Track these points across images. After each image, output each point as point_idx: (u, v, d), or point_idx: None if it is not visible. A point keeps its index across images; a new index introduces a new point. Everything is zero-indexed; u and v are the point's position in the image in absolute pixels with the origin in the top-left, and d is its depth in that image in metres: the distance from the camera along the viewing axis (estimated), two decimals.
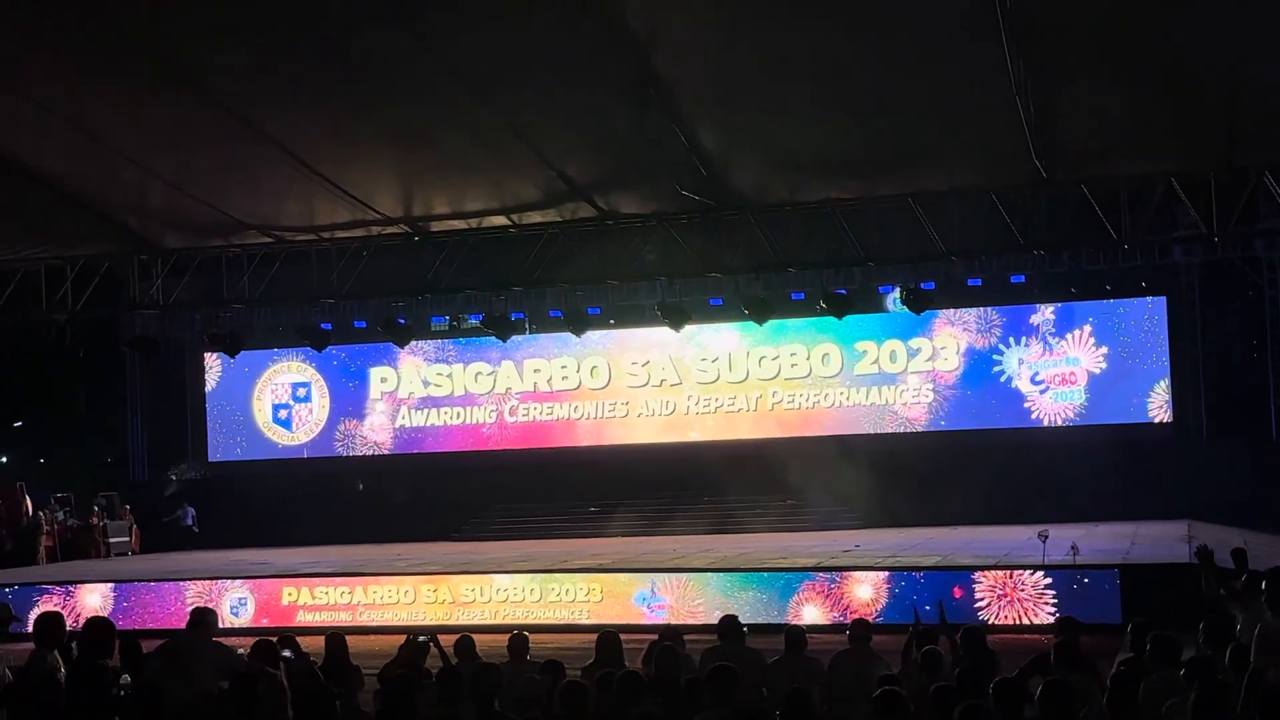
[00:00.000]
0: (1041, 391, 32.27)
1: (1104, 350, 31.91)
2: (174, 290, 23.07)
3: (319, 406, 36.72)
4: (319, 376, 36.58)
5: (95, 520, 33.94)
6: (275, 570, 25.40)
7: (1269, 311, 32.10)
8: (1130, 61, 14.92)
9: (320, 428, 36.72)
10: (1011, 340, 32.50)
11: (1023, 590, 20.08)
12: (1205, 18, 14.12)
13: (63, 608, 23.05)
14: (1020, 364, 32.41)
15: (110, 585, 24.50)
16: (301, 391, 36.87)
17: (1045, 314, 32.29)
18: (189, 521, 35.51)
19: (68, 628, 10.15)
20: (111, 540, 33.81)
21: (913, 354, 33.05)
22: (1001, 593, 20.13)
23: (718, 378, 34.28)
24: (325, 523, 33.79)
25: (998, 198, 19.35)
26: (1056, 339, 32.24)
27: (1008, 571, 20.38)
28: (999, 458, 31.13)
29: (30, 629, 10.12)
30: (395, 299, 25.72)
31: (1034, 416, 32.28)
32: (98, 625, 9.61)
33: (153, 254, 22.33)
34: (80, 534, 33.69)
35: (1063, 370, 32.20)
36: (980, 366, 32.68)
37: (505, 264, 22.19)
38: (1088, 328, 32.03)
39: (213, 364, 36.55)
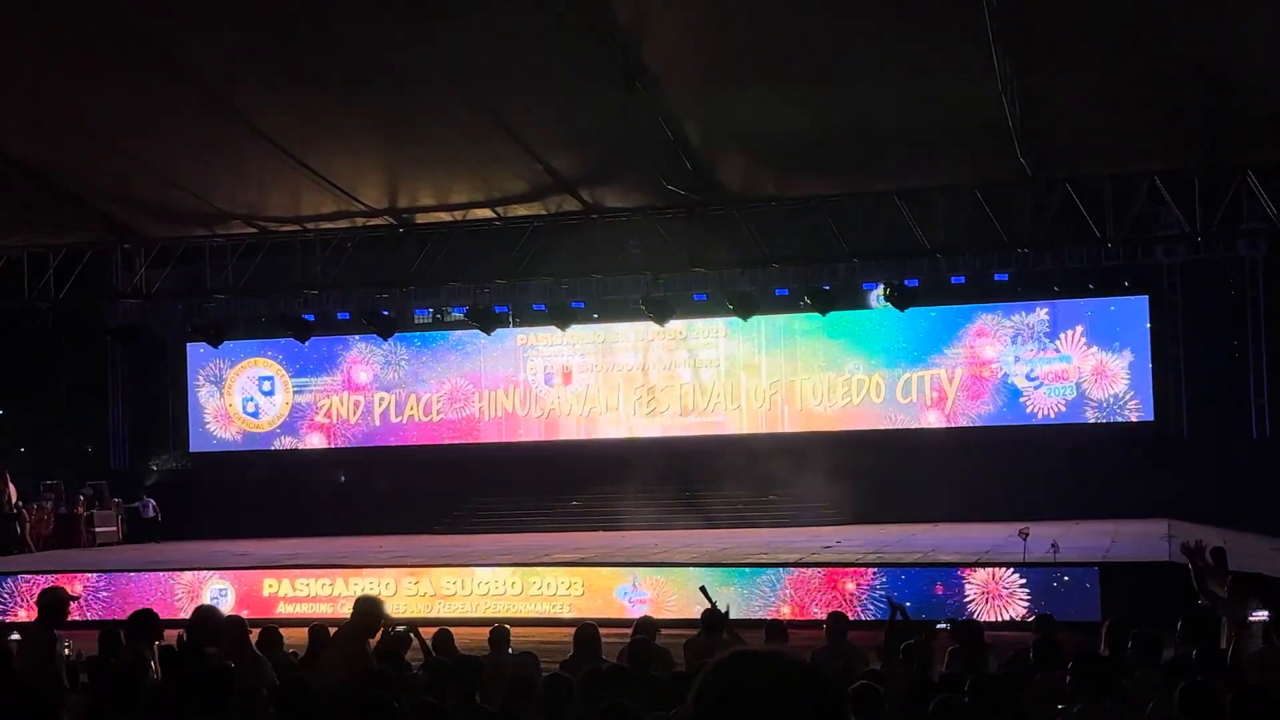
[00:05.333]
0: (1036, 388, 32.34)
1: (1091, 349, 32.01)
2: (157, 280, 22.98)
3: (293, 398, 36.63)
4: (287, 369, 36.50)
5: (80, 509, 33.74)
6: (256, 561, 25.34)
7: (1250, 311, 32.23)
8: (1116, 60, 14.95)
9: (300, 419, 36.66)
10: (1008, 339, 32.55)
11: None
12: (1190, 17, 14.16)
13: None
14: (1016, 361, 32.47)
15: (91, 575, 24.42)
16: (268, 385, 36.79)
17: (1040, 314, 32.35)
18: (150, 513, 35.30)
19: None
20: (98, 529, 33.55)
21: (898, 352, 33.11)
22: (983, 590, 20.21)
23: (703, 373, 34.30)
24: (306, 515, 33.75)
25: (982, 195, 19.37)
26: (1049, 338, 32.31)
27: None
28: (981, 456, 31.21)
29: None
30: (379, 291, 25.67)
31: (1028, 411, 32.35)
32: (203, 614, 9.63)
33: (136, 243, 22.24)
34: (65, 523, 33.46)
35: (1054, 368, 32.28)
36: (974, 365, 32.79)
37: (489, 257, 22.16)
38: (1080, 327, 32.10)
39: (195, 354, 36.43)
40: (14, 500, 32.75)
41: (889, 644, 10.56)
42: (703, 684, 2.65)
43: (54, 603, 10.08)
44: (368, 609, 9.94)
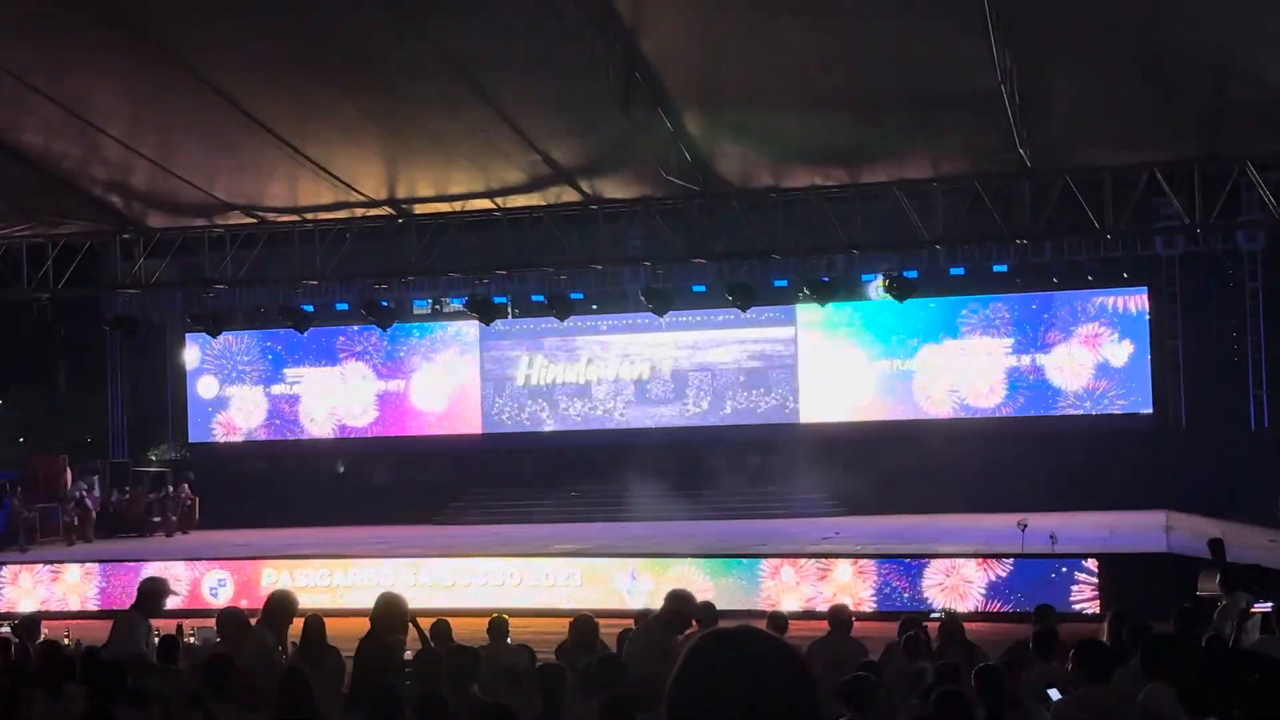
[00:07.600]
0: (1035, 379, 32.31)
1: (1090, 341, 31.98)
2: (156, 270, 22.98)
3: (291, 389, 36.59)
4: (287, 360, 36.45)
5: (185, 496, 33.45)
6: (255, 551, 25.34)
7: (1248, 303, 32.23)
8: (1115, 52, 14.95)
9: (298, 410, 36.62)
10: (1007, 331, 32.51)
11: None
12: (1189, 9, 14.16)
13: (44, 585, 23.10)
14: (1015, 353, 32.43)
15: (95, 565, 24.44)
16: (268, 377, 36.71)
17: (1039, 306, 32.35)
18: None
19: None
20: (155, 519, 33.16)
21: (898, 342, 33.11)
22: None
23: (702, 364, 34.31)
24: (306, 505, 33.71)
25: (982, 187, 19.37)
26: (1048, 330, 32.29)
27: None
28: (980, 447, 31.17)
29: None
30: (377, 281, 25.67)
31: (1026, 403, 32.33)
32: (389, 601, 9.61)
33: (135, 233, 22.24)
34: (126, 508, 33.02)
35: (1052, 359, 32.25)
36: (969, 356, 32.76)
37: (488, 248, 22.15)
38: (1079, 318, 32.06)
39: (193, 344, 36.38)
40: (69, 488, 32.09)
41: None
42: (680, 664, 2.69)
43: (152, 593, 10.55)
44: (678, 602, 9.71)
